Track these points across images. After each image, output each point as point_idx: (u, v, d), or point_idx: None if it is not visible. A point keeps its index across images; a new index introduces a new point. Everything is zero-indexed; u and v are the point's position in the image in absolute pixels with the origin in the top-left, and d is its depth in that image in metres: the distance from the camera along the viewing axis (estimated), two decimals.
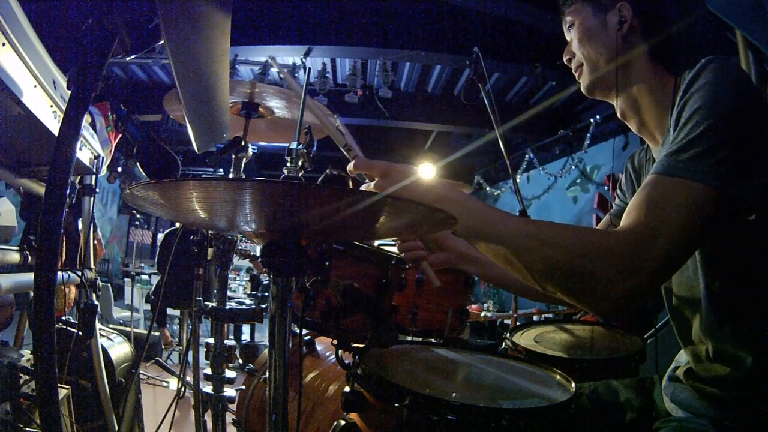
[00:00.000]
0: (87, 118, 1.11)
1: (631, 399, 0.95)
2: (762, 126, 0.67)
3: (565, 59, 0.99)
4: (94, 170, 1.56)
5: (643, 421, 0.90)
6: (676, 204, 0.65)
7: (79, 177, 1.64)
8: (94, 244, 1.63)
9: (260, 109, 1.53)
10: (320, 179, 0.78)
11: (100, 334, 1.73)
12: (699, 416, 0.80)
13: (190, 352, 1.73)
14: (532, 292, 1.05)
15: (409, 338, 1.33)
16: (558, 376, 0.92)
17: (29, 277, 1.26)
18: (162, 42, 0.70)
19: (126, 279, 6.82)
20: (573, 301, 0.71)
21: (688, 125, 0.68)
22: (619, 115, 0.96)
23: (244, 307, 1.49)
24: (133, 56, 0.71)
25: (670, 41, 0.89)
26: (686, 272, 0.85)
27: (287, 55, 4.73)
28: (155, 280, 5.54)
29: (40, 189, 1.41)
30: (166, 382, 3.35)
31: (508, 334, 1.52)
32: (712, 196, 0.64)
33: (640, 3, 0.89)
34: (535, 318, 3.83)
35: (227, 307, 1.46)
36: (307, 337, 1.48)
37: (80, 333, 1.52)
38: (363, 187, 0.79)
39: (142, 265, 9.10)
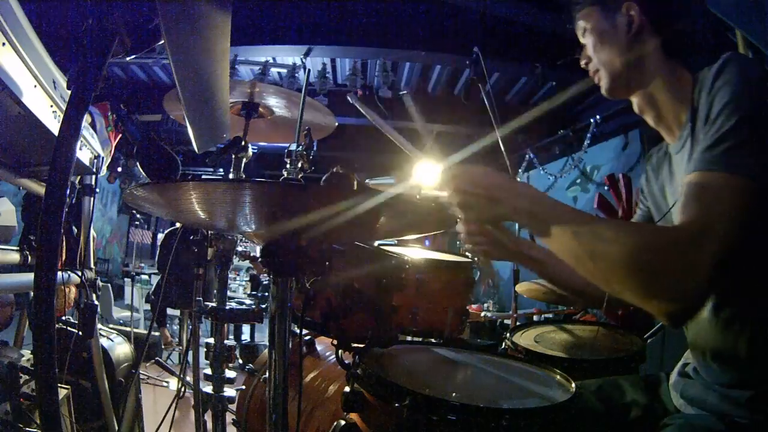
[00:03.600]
0: (87, 118, 1.11)
1: (636, 396, 0.95)
2: None
3: (582, 63, 0.99)
4: (94, 170, 1.56)
5: (649, 419, 0.90)
6: (719, 197, 0.67)
7: (79, 177, 1.64)
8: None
9: (260, 109, 1.53)
10: (324, 178, 0.78)
11: (100, 334, 1.73)
12: (709, 412, 0.80)
13: (190, 352, 1.73)
14: (588, 295, 1.06)
15: (409, 338, 1.33)
16: (558, 376, 0.92)
17: (29, 277, 1.26)
18: (162, 42, 0.70)
19: (126, 279, 6.81)
20: (639, 302, 0.71)
21: (719, 120, 0.71)
22: (636, 111, 0.97)
23: (244, 307, 1.49)
24: (133, 56, 0.71)
25: (680, 36, 0.90)
26: None
27: (287, 55, 4.72)
28: (155, 280, 5.54)
29: (40, 189, 1.41)
30: (166, 382, 3.35)
31: (508, 334, 1.52)
32: (749, 186, 0.67)
33: (646, 1, 0.89)
34: (535, 318, 3.82)
35: (227, 307, 1.46)
36: (307, 337, 1.48)
37: (80, 333, 1.52)
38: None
39: (142, 265, 9.09)
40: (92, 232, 1.71)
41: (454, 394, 0.78)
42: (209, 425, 1.56)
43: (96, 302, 1.60)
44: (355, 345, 0.91)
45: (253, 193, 0.57)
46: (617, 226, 0.74)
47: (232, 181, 0.57)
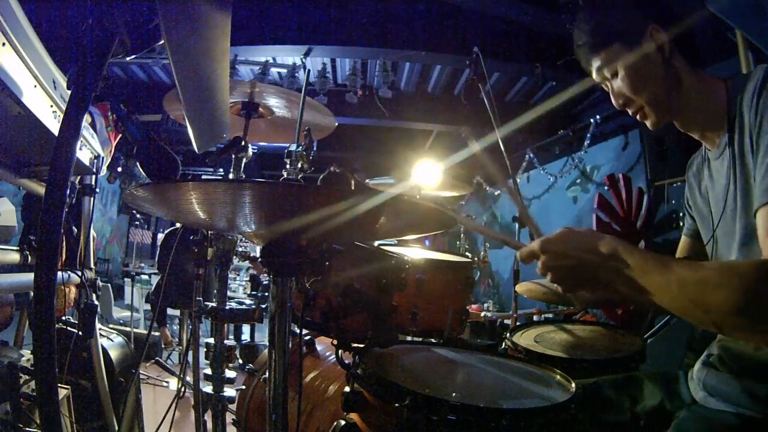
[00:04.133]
0: (87, 118, 1.11)
1: (654, 390, 0.96)
2: None
3: (618, 105, 0.95)
4: (94, 170, 1.56)
5: (665, 413, 0.91)
6: None
7: (79, 177, 1.64)
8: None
9: (260, 109, 1.53)
10: (321, 177, 0.78)
11: (100, 334, 1.73)
12: (729, 403, 0.81)
13: (190, 352, 1.73)
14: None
15: (409, 338, 1.33)
16: (558, 376, 0.93)
17: (29, 277, 1.26)
18: (162, 42, 0.70)
19: (126, 279, 6.81)
20: (747, 337, 0.74)
21: None
22: (681, 130, 0.96)
23: (244, 307, 1.49)
24: (133, 56, 0.71)
25: (695, 42, 0.91)
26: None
27: (287, 55, 4.72)
28: (155, 280, 5.54)
29: (40, 189, 1.41)
30: (166, 382, 3.35)
31: (508, 334, 1.51)
32: None
33: (664, 18, 0.88)
34: (535, 318, 3.82)
35: (227, 307, 1.46)
36: (307, 337, 1.48)
37: (80, 333, 1.52)
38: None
39: (142, 265, 9.08)
40: (92, 232, 1.71)
41: (454, 394, 0.78)
42: (209, 425, 1.56)
43: (96, 302, 1.60)
44: (355, 345, 0.91)
45: (253, 193, 0.57)
46: (720, 270, 0.74)
47: (232, 181, 0.57)
